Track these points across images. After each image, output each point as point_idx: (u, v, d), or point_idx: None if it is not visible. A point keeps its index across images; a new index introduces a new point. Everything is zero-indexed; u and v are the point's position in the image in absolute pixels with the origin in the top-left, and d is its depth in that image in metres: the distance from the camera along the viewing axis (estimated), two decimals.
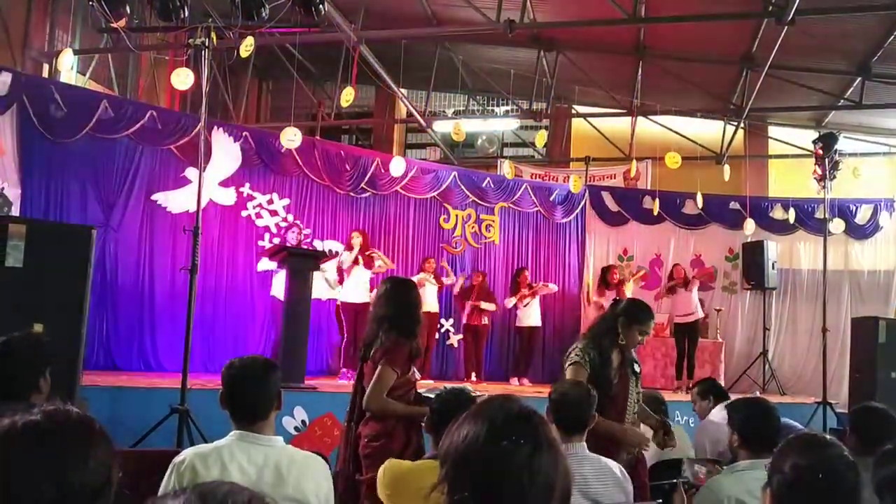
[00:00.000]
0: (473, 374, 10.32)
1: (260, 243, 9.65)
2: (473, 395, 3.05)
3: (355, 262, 9.08)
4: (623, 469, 3.17)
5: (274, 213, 9.96)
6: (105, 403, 5.86)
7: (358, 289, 9.12)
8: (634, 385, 4.00)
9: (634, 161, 12.16)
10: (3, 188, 7.90)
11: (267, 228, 9.86)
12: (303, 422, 6.54)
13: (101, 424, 1.38)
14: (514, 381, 10.50)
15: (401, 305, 3.86)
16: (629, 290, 10.65)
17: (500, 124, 14.60)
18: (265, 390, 2.65)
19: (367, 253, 9.25)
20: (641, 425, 4.05)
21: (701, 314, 10.65)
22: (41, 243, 5.12)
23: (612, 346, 3.95)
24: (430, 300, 9.65)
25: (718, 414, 4.95)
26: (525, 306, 10.67)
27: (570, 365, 3.90)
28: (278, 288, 8.54)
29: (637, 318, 3.97)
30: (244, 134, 9.82)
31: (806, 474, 1.83)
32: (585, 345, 3.95)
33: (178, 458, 2.54)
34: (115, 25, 6.08)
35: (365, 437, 3.72)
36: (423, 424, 3.44)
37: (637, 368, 4.06)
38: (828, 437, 1.96)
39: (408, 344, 3.77)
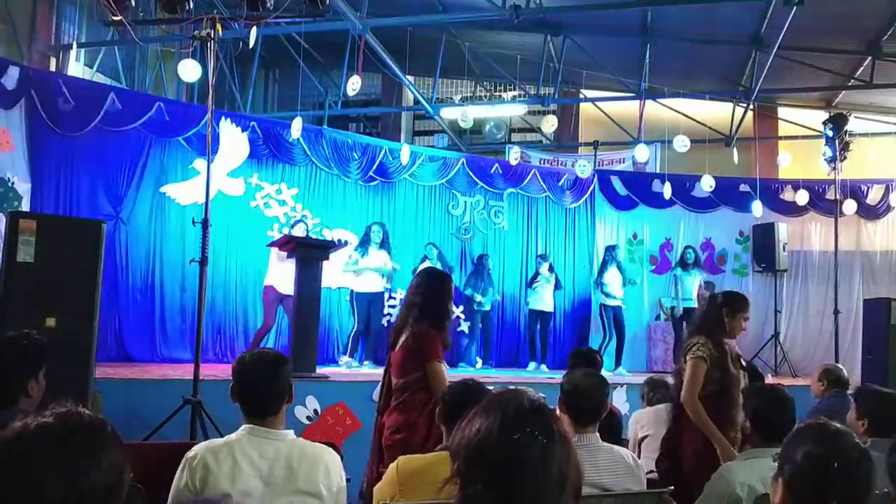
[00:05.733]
0: (480, 361, 10.35)
1: (269, 233, 9.66)
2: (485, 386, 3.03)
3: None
4: (635, 457, 3.17)
5: (283, 202, 9.97)
6: (119, 396, 5.89)
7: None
8: (744, 378, 4.18)
9: (643, 144, 12.09)
10: (13, 182, 7.93)
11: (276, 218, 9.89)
12: (315, 411, 6.56)
13: (113, 426, 1.38)
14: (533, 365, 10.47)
15: (433, 296, 3.88)
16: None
17: (508, 110, 14.54)
18: (276, 385, 2.66)
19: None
20: None
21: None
22: (52, 238, 5.14)
23: (722, 339, 4.20)
24: None
25: None
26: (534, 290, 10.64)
27: (692, 359, 4.11)
28: (274, 277, 8.41)
29: (739, 307, 4.29)
30: (252, 124, 9.83)
31: (819, 463, 1.82)
32: (705, 340, 4.16)
33: (189, 454, 2.55)
34: (119, 18, 6.06)
35: (388, 429, 3.71)
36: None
37: (743, 363, 4.25)
38: (839, 425, 1.95)
39: (439, 335, 3.80)
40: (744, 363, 4.25)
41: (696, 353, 4.09)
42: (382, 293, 9.64)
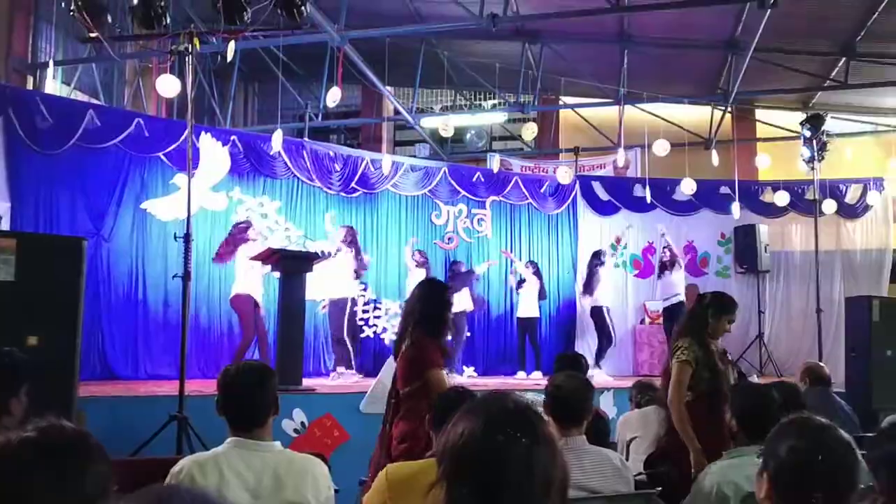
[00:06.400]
0: (465, 368, 10.35)
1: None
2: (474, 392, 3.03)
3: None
4: (623, 459, 3.18)
5: (265, 216, 9.93)
6: (104, 414, 5.85)
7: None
8: (733, 373, 4.25)
9: (622, 150, 12.16)
10: None
11: (258, 232, 9.80)
12: (302, 423, 6.53)
13: (96, 438, 1.38)
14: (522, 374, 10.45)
15: (431, 304, 3.89)
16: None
17: (488, 118, 14.59)
18: (262, 397, 2.65)
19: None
20: None
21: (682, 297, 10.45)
22: (32, 256, 5.10)
23: (707, 339, 4.22)
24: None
25: None
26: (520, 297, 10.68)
27: (677, 363, 4.14)
28: (247, 285, 8.23)
29: (725, 309, 4.36)
30: (232, 138, 9.78)
31: (804, 456, 1.82)
32: (690, 343, 4.17)
33: (175, 468, 2.54)
34: (96, 35, 6.04)
35: (395, 439, 3.71)
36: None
37: (729, 357, 4.31)
38: (823, 419, 1.96)
39: (436, 343, 3.80)
40: (729, 358, 4.28)
41: (681, 356, 4.12)
42: (354, 298, 9.51)
